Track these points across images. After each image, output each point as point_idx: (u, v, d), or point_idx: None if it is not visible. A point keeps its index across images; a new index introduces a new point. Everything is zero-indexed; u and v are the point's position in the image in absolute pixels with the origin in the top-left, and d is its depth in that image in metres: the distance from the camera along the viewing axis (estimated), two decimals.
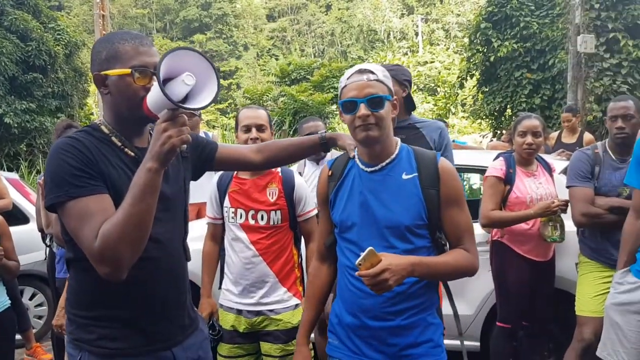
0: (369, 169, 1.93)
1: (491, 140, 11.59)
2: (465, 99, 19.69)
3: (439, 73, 28.77)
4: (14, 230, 3.56)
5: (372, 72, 1.87)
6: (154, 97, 1.49)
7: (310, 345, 2.27)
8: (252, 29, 48.03)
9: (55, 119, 14.12)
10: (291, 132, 14.42)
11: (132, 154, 1.65)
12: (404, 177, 1.89)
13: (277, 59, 33.37)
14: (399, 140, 1.99)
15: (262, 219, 2.73)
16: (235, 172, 2.82)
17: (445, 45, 35.36)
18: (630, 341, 2.53)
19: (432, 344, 1.90)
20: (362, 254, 1.68)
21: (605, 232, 3.13)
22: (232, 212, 2.78)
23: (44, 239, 4.30)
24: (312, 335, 2.40)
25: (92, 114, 18.24)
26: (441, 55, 31.58)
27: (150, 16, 47.46)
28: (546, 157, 3.94)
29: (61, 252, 3.64)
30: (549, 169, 3.56)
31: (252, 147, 2.08)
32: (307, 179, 3.84)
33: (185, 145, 1.46)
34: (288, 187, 2.79)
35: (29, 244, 4.87)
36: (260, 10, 49.33)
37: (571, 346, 3.21)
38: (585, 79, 9.99)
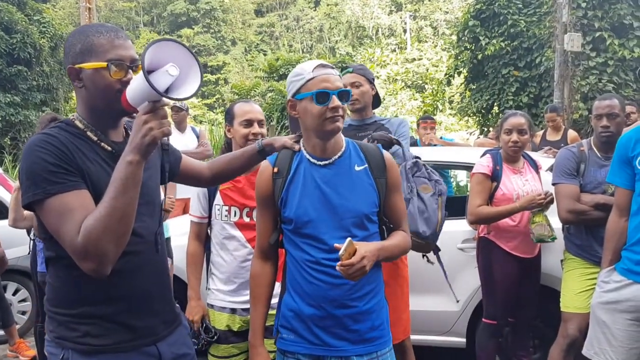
0: (321, 163, 1.99)
1: (478, 138, 11.65)
2: (453, 96, 19.77)
3: (427, 70, 28.85)
4: None
5: (334, 68, 1.97)
6: (134, 89, 1.47)
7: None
8: (240, 24, 47.80)
9: (40, 113, 13.98)
10: (279, 128, 14.39)
11: (109, 148, 1.63)
12: (357, 168, 2.01)
13: (265, 54, 33.26)
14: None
15: None
16: None
17: (433, 43, 35.45)
18: (617, 340, 2.55)
19: (384, 325, 2.04)
20: (343, 246, 1.78)
21: (591, 229, 3.15)
22: (226, 210, 2.73)
23: (29, 232, 4.25)
24: None
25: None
26: (429, 52, 31.66)
27: (137, 9, 47.06)
28: (533, 154, 3.96)
29: (42, 245, 3.60)
30: (535, 166, 3.58)
31: (206, 164, 2.13)
32: None
33: (166, 138, 1.47)
34: None
35: (13, 239, 4.81)
36: (248, 5, 49.08)
37: (556, 342, 3.23)
38: (571, 77, 10.08)
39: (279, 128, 14.17)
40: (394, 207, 2.07)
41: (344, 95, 1.94)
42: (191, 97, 1.47)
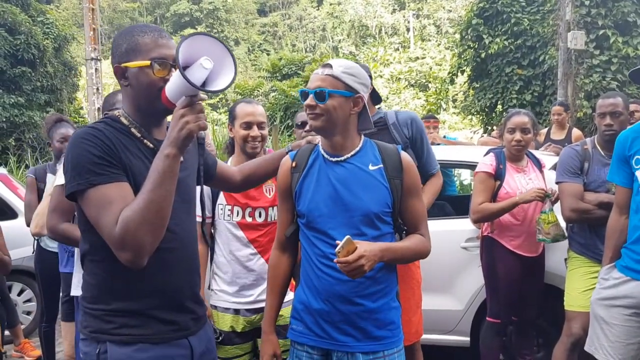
0: (334, 159, 2.03)
1: (482, 136, 11.64)
2: (457, 94, 19.74)
3: (430, 69, 28.80)
4: (2, 225, 3.52)
5: (330, 67, 1.99)
6: (172, 85, 1.53)
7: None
8: (243, 24, 47.85)
9: (44, 113, 14.02)
10: (282, 128, 14.40)
11: (151, 145, 1.66)
12: (371, 167, 2.02)
13: (268, 54, 33.25)
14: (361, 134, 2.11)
15: (259, 216, 2.71)
16: None
17: (436, 41, 35.39)
18: (615, 335, 2.56)
19: (394, 326, 2.05)
20: (341, 242, 1.80)
21: (594, 228, 3.15)
22: (228, 210, 2.74)
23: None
24: None
25: (81, 108, 18.11)
26: (432, 51, 31.59)
27: (140, 10, 47.15)
28: (536, 152, 3.95)
29: (64, 247, 3.59)
30: (539, 165, 3.58)
31: (236, 168, 2.19)
32: None
33: (202, 132, 1.52)
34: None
35: (18, 239, 4.82)
36: (251, 4, 49.13)
37: (560, 341, 3.23)
38: (575, 75, 10.04)
39: (282, 128, 14.17)
40: (411, 210, 2.06)
41: (320, 94, 1.95)
42: (226, 88, 1.50)
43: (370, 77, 3.14)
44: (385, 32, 41.14)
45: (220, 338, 2.71)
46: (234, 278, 2.72)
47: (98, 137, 1.54)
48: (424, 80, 28.51)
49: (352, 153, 2.03)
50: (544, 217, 3.29)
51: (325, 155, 2.05)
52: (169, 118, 1.70)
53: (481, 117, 13.35)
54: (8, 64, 13.85)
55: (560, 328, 3.27)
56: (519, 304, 3.45)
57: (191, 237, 1.77)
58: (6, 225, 4.85)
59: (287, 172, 2.10)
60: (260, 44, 46.20)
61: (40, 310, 4.75)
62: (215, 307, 2.79)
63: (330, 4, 45.93)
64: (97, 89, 10.65)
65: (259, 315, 2.70)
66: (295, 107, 15.48)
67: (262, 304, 2.67)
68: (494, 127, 10.85)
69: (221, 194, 2.77)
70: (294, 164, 2.09)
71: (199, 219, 2.85)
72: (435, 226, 3.16)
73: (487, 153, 3.57)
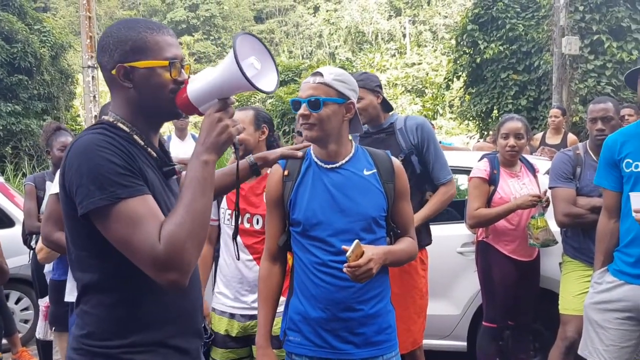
0: (329, 166, 2.04)
1: (478, 141, 11.68)
2: (453, 100, 19.80)
3: (427, 74, 28.90)
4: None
5: (321, 75, 1.99)
6: (202, 86, 1.41)
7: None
8: (240, 31, 47.88)
9: (41, 122, 14.02)
10: (280, 134, 14.42)
11: (154, 154, 1.51)
12: (365, 173, 2.05)
13: None
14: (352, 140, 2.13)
15: (257, 222, 2.72)
16: None
17: (432, 47, 35.49)
18: (609, 338, 2.58)
19: (391, 329, 2.07)
20: (351, 247, 1.81)
21: (588, 232, 3.17)
22: (229, 214, 2.77)
23: (26, 242, 4.26)
24: None
25: (78, 115, 18.09)
26: (429, 56, 31.71)
27: (137, 17, 47.22)
28: (530, 157, 3.98)
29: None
30: (532, 170, 3.60)
31: None
32: None
33: (237, 137, 1.42)
34: None
35: (15, 248, 4.82)
36: (247, 12, 49.25)
37: (555, 344, 3.25)
38: (570, 80, 10.10)
39: (279, 134, 14.20)
40: (402, 213, 2.12)
41: (313, 103, 1.96)
42: (275, 90, 1.45)
43: (380, 86, 3.15)
44: (382, 38, 41.27)
45: (212, 337, 2.74)
46: (232, 282, 2.74)
47: (114, 144, 1.35)
48: (421, 86, 28.59)
49: (347, 159, 2.05)
50: (534, 222, 3.32)
51: (319, 163, 2.05)
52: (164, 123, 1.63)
53: (477, 122, 13.39)
54: (5, 72, 13.85)
55: (556, 332, 3.29)
56: (514, 309, 3.47)
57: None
58: (3, 233, 4.86)
59: (278, 181, 2.09)
60: None
61: (37, 317, 4.75)
62: (214, 309, 2.81)
63: (327, 11, 46.09)
64: (94, 96, 10.66)
65: (253, 322, 2.68)
66: (292, 114, 15.53)
67: (256, 311, 2.69)
68: (490, 132, 10.88)
69: (224, 198, 2.79)
70: (286, 173, 2.08)
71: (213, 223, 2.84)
72: (431, 231, 3.20)
73: (481, 158, 3.60)
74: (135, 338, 1.42)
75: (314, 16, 47.24)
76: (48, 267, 3.74)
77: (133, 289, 1.40)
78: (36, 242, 4.12)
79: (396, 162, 2.12)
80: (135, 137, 1.47)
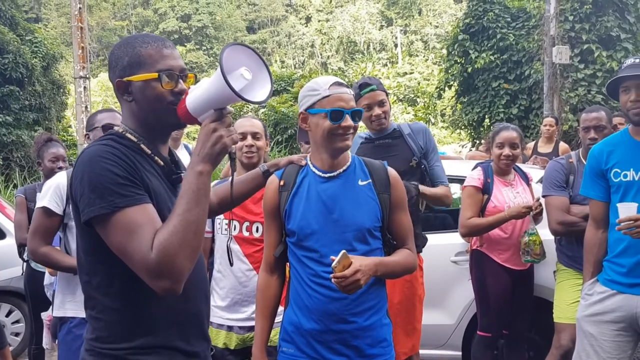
0: (326, 176, 2.04)
1: (470, 150, 11.72)
2: (445, 109, 19.91)
3: (419, 84, 29.10)
4: None
5: (349, 87, 2.02)
6: (199, 97, 1.42)
7: None
8: (232, 41, 48.02)
9: (32, 132, 13.96)
10: (272, 144, 14.42)
11: (162, 163, 1.55)
12: (360, 183, 2.04)
13: None
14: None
15: (257, 230, 2.69)
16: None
17: (424, 57, 35.75)
18: (605, 351, 2.57)
19: (386, 343, 2.05)
20: (337, 258, 1.80)
21: (581, 240, 3.16)
22: (226, 224, 2.73)
23: (20, 254, 4.23)
24: None
25: (69, 126, 18.03)
26: (420, 66, 31.94)
27: (129, 28, 47.23)
28: (523, 166, 3.99)
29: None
30: (526, 179, 3.61)
31: (211, 192, 2.00)
32: None
33: (233, 147, 1.43)
34: None
35: (6, 260, 4.79)
36: (240, 22, 49.39)
37: (550, 353, 3.24)
38: (560, 89, 10.19)
39: (271, 144, 14.19)
40: (399, 224, 2.09)
41: (356, 114, 1.99)
42: (266, 100, 1.44)
43: (387, 93, 3.15)
44: (374, 48, 41.50)
45: (213, 352, 2.70)
46: (229, 293, 2.70)
47: (116, 155, 1.40)
48: (413, 95, 28.76)
49: (344, 169, 2.05)
50: (534, 239, 3.31)
51: (317, 172, 2.05)
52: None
53: (469, 131, 13.46)
54: None
55: (550, 340, 3.29)
56: (509, 318, 3.47)
57: (202, 259, 1.66)
58: None
59: (275, 191, 2.08)
60: None
61: (29, 331, 4.70)
62: (210, 323, 2.77)
63: (319, 21, 46.33)
64: (86, 107, 10.63)
65: (252, 334, 2.65)
66: (284, 123, 15.53)
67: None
68: (482, 141, 10.94)
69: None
70: (282, 183, 2.08)
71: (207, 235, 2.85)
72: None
73: (475, 167, 3.60)
74: (141, 341, 1.46)
75: (306, 26, 47.45)
76: (48, 279, 3.71)
77: (138, 293, 1.43)
78: (28, 255, 4.09)
79: (392, 172, 2.11)
80: (142, 146, 1.52)
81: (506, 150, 3.41)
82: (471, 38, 12.15)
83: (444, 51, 15.12)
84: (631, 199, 2.54)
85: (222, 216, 2.74)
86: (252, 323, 2.63)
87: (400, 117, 25.74)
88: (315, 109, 1.99)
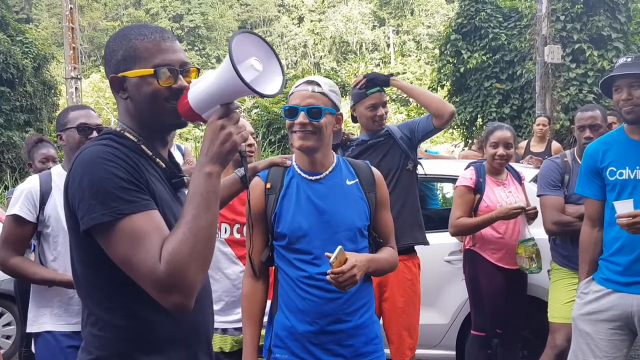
0: (313, 177, 2.01)
1: (463, 150, 11.75)
2: None
3: (411, 84, 29.11)
4: None
5: (318, 85, 1.98)
6: (203, 92, 1.29)
7: None
8: (225, 41, 47.95)
9: (23, 133, 13.86)
10: (265, 144, 14.40)
11: (163, 165, 1.43)
12: (348, 183, 2.04)
13: None
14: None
15: None
16: None
17: (416, 57, 35.84)
18: (601, 350, 2.57)
19: (378, 340, 2.06)
20: (334, 254, 1.79)
21: (576, 240, 3.15)
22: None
23: None
24: None
25: None
26: (413, 66, 32.02)
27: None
28: (516, 165, 3.99)
29: None
30: (518, 178, 3.61)
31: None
32: None
33: (244, 145, 1.34)
34: None
35: None
36: (232, 22, 49.33)
37: (545, 352, 3.24)
38: (552, 88, 10.23)
39: (264, 144, 14.16)
40: (383, 222, 2.11)
41: (314, 112, 1.93)
42: (278, 93, 1.31)
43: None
44: (366, 48, 41.56)
45: None
46: (222, 296, 2.66)
47: (119, 156, 1.27)
48: (405, 95, 28.76)
49: (330, 169, 2.03)
50: (535, 249, 3.33)
51: (303, 174, 2.02)
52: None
53: (462, 131, 13.49)
54: None
55: (544, 340, 3.29)
56: (502, 317, 3.46)
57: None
58: None
59: (261, 195, 2.03)
60: None
61: (20, 334, 4.66)
62: None
63: (311, 21, 46.36)
64: None
65: None
66: (277, 124, 15.52)
67: None
68: (474, 140, 10.97)
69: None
70: (268, 185, 2.03)
71: None
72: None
73: (467, 167, 3.60)
74: (145, 359, 1.34)
75: (299, 26, 47.48)
76: None
77: (142, 308, 1.31)
78: None
79: (376, 172, 2.12)
80: (143, 147, 1.39)
81: (500, 150, 3.41)
82: (463, 38, 12.18)
83: (436, 51, 15.16)
84: (627, 197, 2.54)
85: None
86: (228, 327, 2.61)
87: (393, 117, 25.76)
88: (283, 106, 2.01)
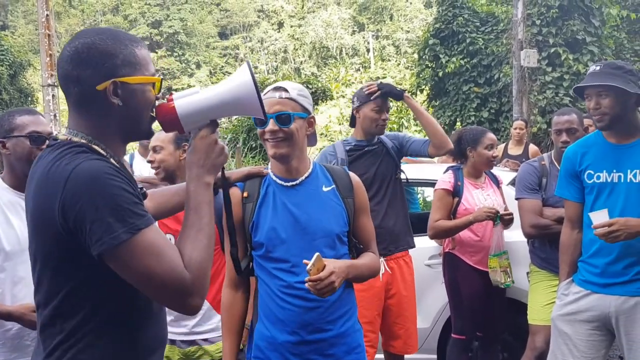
0: (289, 184, 1.99)
1: None
2: None
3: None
4: None
5: (286, 90, 1.95)
6: (198, 104, 1.38)
7: None
8: (204, 47, 47.81)
9: None
10: (246, 150, 14.35)
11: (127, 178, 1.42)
12: (324, 189, 2.01)
13: None
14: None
15: None
16: None
17: (396, 61, 36.06)
18: (580, 350, 2.60)
19: (360, 349, 2.03)
20: (311, 261, 1.77)
21: (555, 242, 3.18)
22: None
23: None
24: None
25: None
26: (392, 70, 32.21)
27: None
28: (493, 169, 4.03)
29: None
30: (496, 182, 3.65)
31: (147, 198, 1.80)
32: None
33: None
34: (215, 207, 2.65)
35: None
36: (211, 28, 49.17)
37: (525, 355, 3.26)
38: (529, 92, 10.35)
39: (245, 150, 14.12)
40: (363, 227, 2.09)
41: (282, 118, 1.90)
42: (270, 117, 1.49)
43: None
44: (346, 53, 41.71)
45: None
46: None
47: (118, 171, 1.27)
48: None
49: (306, 175, 2.01)
50: (508, 262, 3.39)
51: (279, 181, 2.00)
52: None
53: None
54: None
55: (524, 342, 3.31)
56: (482, 320, 3.48)
57: None
58: None
59: (238, 204, 1.99)
60: (222, 66, 46.18)
61: None
62: None
63: (291, 26, 46.41)
64: (55, 115, 10.44)
65: (194, 347, 2.59)
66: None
67: (197, 336, 2.59)
68: None
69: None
70: (245, 194, 2.01)
71: None
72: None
73: (446, 170, 3.63)
74: None
75: (279, 32, 47.48)
76: None
77: (124, 324, 1.34)
78: None
79: (354, 177, 2.10)
80: (113, 161, 1.35)
81: (495, 152, 3.54)
82: (441, 42, 12.28)
83: (415, 56, 15.25)
84: (604, 200, 2.58)
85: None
86: (194, 337, 2.57)
87: None
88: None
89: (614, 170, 2.58)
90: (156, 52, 43.93)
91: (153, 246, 1.23)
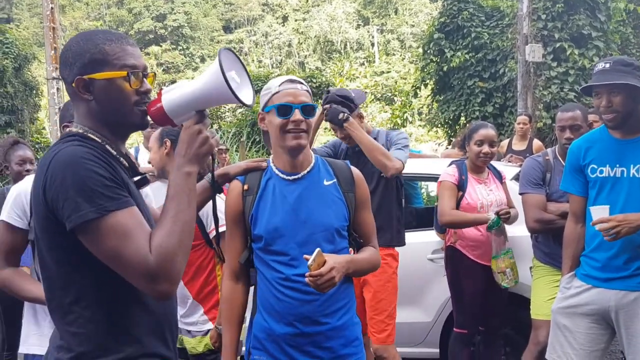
0: (291, 177, 1.99)
1: (446, 148, 11.82)
2: (422, 107, 20.03)
3: (395, 82, 29.23)
4: None
5: (302, 83, 1.98)
6: (180, 98, 1.43)
7: None
8: (209, 41, 47.79)
9: (4, 134, 13.66)
10: (250, 144, 14.36)
11: (126, 164, 1.49)
12: (326, 183, 2.02)
13: None
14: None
15: None
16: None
17: (400, 55, 35.96)
18: (579, 342, 2.61)
19: (358, 342, 2.04)
20: (312, 256, 1.78)
21: (558, 237, 3.18)
22: None
23: None
24: None
25: (43, 128, 17.73)
26: (397, 65, 32.12)
27: (103, 28, 46.67)
28: (497, 164, 4.03)
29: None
30: (499, 177, 3.64)
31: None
32: None
33: (216, 149, 1.45)
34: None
35: None
36: (216, 22, 49.13)
37: (527, 349, 3.26)
38: (534, 87, 10.31)
39: (249, 144, 14.13)
40: (363, 222, 2.09)
41: (308, 109, 1.92)
42: (253, 104, 1.49)
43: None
44: (351, 47, 41.62)
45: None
46: None
47: (97, 156, 1.34)
48: (390, 94, 28.87)
49: (308, 169, 2.01)
50: (512, 262, 3.37)
51: (281, 175, 2.00)
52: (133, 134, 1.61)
53: (445, 129, 13.56)
54: None
55: (527, 337, 3.31)
56: (484, 314, 3.49)
57: None
58: None
59: (238, 197, 2.01)
60: None
61: (0, 337, 4.60)
62: None
63: (296, 20, 46.31)
64: (59, 108, 10.47)
65: (180, 336, 2.63)
66: None
67: (183, 326, 2.67)
68: (453, 140, 11.05)
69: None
70: (245, 187, 2.01)
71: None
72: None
73: (450, 164, 3.62)
74: (129, 351, 1.41)
75: (283, 26, 47.40)
76: None
77: (120, 301, 1.39)
78: None
79: (356, 171, 2.10)
80: (108, 147, 1.45)
81: (485, 148, 3.44)
82: (446, 37, 12.24)
83: (420, 50, 15.20)
84: (607, 194, 2.59)
85: None
86: (180, 326, 2.59)
87: (378, 116, 25.84)
88: (268, 106, 1.96)
89: (617, 165, 2.59)
90: (160, 46, 43.96)
91: (121, 229, 1.29)
